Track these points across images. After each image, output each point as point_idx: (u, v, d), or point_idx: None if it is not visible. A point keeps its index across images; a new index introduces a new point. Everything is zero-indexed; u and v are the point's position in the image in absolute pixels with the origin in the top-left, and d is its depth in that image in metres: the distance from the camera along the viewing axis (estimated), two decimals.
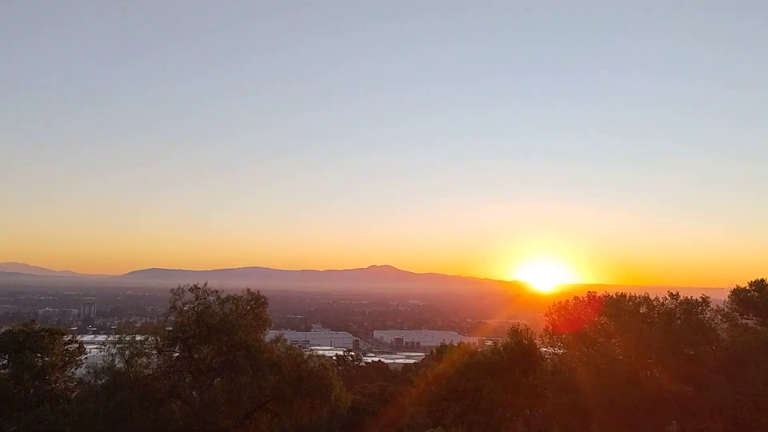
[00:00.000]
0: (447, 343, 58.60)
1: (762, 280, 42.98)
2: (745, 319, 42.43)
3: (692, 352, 39.65)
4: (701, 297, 41.85)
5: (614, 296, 43.28)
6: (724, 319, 42.18)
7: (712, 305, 42.09)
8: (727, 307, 43.06)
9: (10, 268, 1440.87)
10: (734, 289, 43.32)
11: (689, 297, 41.88)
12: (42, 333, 43.14)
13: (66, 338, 45.11)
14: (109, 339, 41.71)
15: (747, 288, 42.84)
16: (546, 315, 46.40)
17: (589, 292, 44.77)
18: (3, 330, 44.01)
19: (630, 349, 39.97)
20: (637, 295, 42.80)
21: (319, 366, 43.13)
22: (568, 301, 45.27)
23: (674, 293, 42.18)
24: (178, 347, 41.65)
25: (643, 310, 41.96)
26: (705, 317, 41.04)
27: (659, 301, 42.14)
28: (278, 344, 43.67)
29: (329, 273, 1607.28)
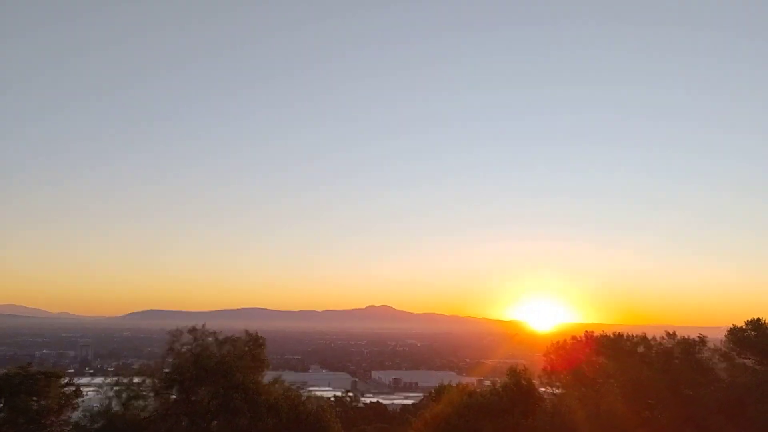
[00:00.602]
0: (445, 384, 58.09)
1: (758, 320, 42.89)
2: (743, 358, 42.23)
3: (692, 393, 39.39)
4: (698, 336, 41.76)
5: (612, 336, 43.15)
6: (722, 359, 41.99)
7: (710, 344, 41.96)
8: (724, 346, 42.91)
9: (7, 311, 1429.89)
10: (731, 328, 43.22)
11: (687, 336, 41.79)
12: (38, 376, 42.64)
13: (62, 381, 44.55)
14: (106, 381, 41.32)
15: (744, 327, 42.75)
16: (544, 355, 46.17)
17: (586, 331, 44.65)
18: None
19: (629, 389, 39.69)
20: (635, 335, 42.69)
21: (317, 408, 42.69)
22: (566, 340, 45.10)
23: (671, 332, 42.09)
24: (175, 390, 41.26)
25: (640, 349, 41.80)
26: (703, 357, 40.90)
27: (657, 340, 42.03)
28: (276, 386, 43.29)
29: (327, 313, 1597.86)
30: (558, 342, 45.30)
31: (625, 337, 42.63)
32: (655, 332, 43.09)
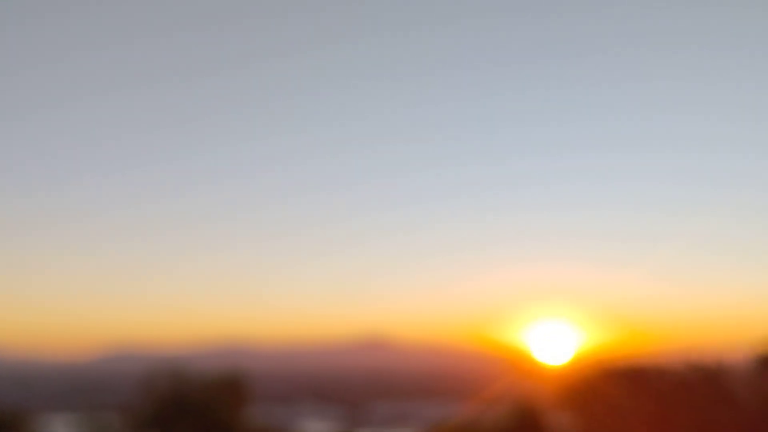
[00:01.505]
0: (446, 415, 57.27)
1: None
2: (765, 381, 41.70)
3: (712, 418, 38.75)
4: (716, 361, 41.18)
5: (626, 364, 42.56)
6: (743, 384, 41.43)
7: (731, 366, 41.38)
8: (747, 368, 42.35)
9: None
10: (754, 351, 42.69)
11: (707, 364, 41.19)
12: (7, 417, 41.88)
13: (30, 423, 43.82)
14: (77, 421, 40.52)
15: (765, 348, 42.26)
16: (551, 383, 45.49)
17: (597, 358, 44.03)
18: None
19: (643, 418, 39.06)
20: (651, 363, 42.10)
21: None
22: (575, 368, 44.49)
23: (691, 361, 41.45)
24: (155, 428, 40.47)
25: (657, 379, 41.22)
26: (722, 381, 40.34)
27: (674, 369, 41.41)
28: (262, 422, 42.54)
29: (319, 344, 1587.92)
30: (566, 369, 44.69)
31: (641, 366, 42.02)
32: (670, 356, 42.49)
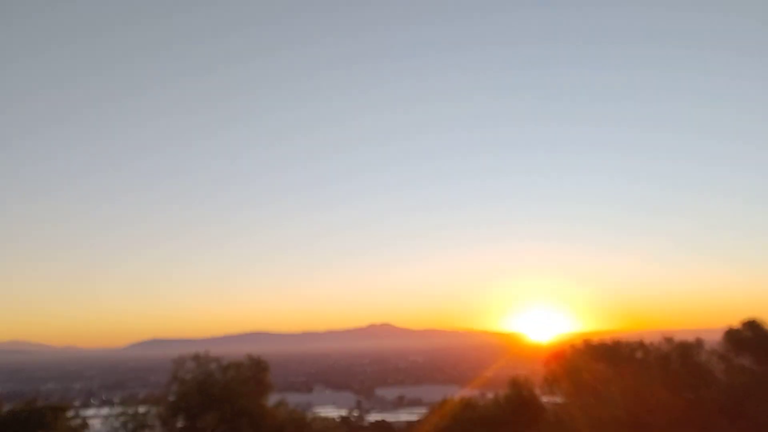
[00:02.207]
0: (448, 398, 57.79)
1: (754, 320, 42.84)
2: (741, 359, 42.12)
3: (691, 396, 39.24)
4: (695, 339, 41.68)
5: (610, 343, 43.03)
6: (720, 361, 41.88)
7: (707, 347, 41.87)
8: (721, 348, 42.81)
9: (11, 347, 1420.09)
10: (727, 329, 43.15)
11: (684, 340, 41.70)
12: (45, 410, 42.33)
13: (69, 414, 44.27)
14: (113, 412, 41.01)
15: (740, 328, 42.68)
16: (544, 364, 45.99)
17: (585, 339, 44.52)
18: (5, 409, 43.20)
19: (629, 395, 39.51)
20: (633, 341, 42.58)
21: (323, 428, 42.39)
22: (565, 349, 44.95)
23: (669, 337, 42.00)
24: (181, 417, 40.93)
25: (639, 355, 41.68)
26: (701, 359, 40.79)
27: (654, 345, 41.92)
28: (281, 408, 42.99)
29: (329, 334, 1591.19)
30: (557, 351, 45.14)
31: (623, 344, 42.51)
32: (653, 337, 43.00)
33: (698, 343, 41.23)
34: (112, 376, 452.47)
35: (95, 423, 46.66)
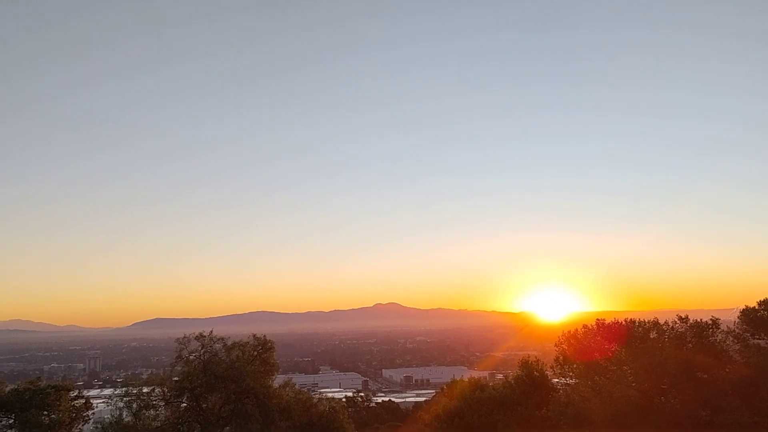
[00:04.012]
0: (457, 379, 58.08)
1: None
2: (757, 339, 42.05)
3: (706, 376, 39.25)
4: (711, 319, 41.59)
5: (623, 322, 42.99)
6: (735, 341, 41.82)
7: (722, 327, 41.78)
8: (737, 328, 42.72)
9: (14, 326, 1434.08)
10: (743, 309, 43.02)
11: (699, 320, 41.61)
12: (48, 390, 42.75)
13: (72, 394, 44.71)
14: (116, 392, 41.35)
15: (756, 308, 42.55)
16: (556, 345, 46.02)
17: (597, 319, 44.48)
18: (8, 389, 43.66)
19: (642, 375, 39.56)
20: (647, 321, 42.51)
21: (329, 409, 42.68)
22: (577, 329, 44.95)
23: (683, 317, 41.90)
24: (185, 397, 41.25)
25: (653, 335, 41.65)
26: (716, 339, 40.73)
27: (669, 325, 41.87)
28: (287, 389, 43.26)
29: (335, 313, 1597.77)
30: (569, 332, 45.14)
31: (636, 324, 42.46)
32: (667, 317, 42.93)
33: (714, 323, 41.15)
34: (115, 356, 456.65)
35: (98, 403, 47.15)
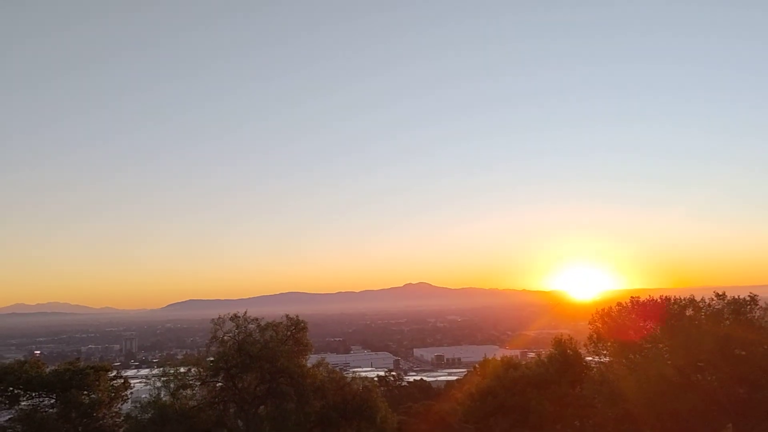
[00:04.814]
0: (489, 358, 58.01)
1: None
2: None
3: (743, 353, 38.67)
4: (749, 295, 40.84)
5: (659, 300, 42.44)
6: None
7: (761, 303, 41.03)
8: None
9: (51, 308, 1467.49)
10: None
11: (737, 296, 40.89)
12: (87, 370, 43.62)
13: (110, 374, 45.57)
14: (153, 372, 42.06)
15: None
16: (589, 323, 45.64)
17: (632, 297, 43.97)
18: (49, 369, 44.63)
19: (678, 353, 39.09)
20: (683, 298, 41.90)
21: (362, 388, 42.95)
22: (611, 307, 44.49)
23: (720, 293, 41.20)
24: (221, 377, 41.80)
25: (689, 312, 41.05)
26: (755, 316, 40.03)
27: (705, 302, 41.21)
28: (320, 368, 43.60)
29: (365, 293, 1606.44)
30: (603, 309, 44.70)
31: (672, 301, 41.89)
32: (703, 294, 42.26)
33: (752, 300, 40.40)
34: (151, 337, 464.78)
35: (136, 383, 48.03)
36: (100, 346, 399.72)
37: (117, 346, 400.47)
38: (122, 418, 43.27)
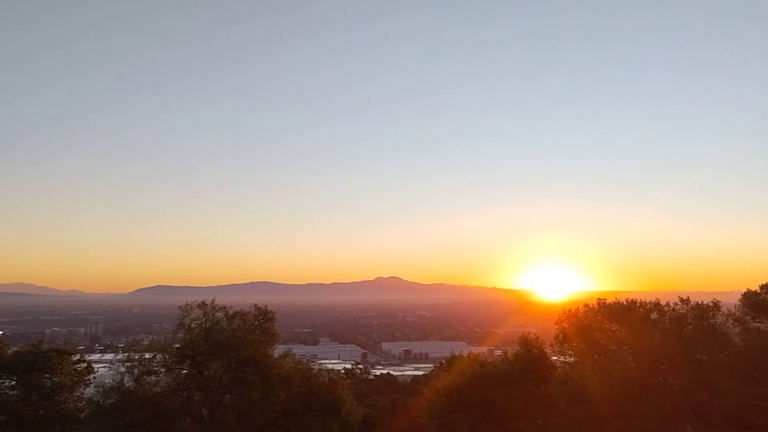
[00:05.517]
0: (456, 354, 58.35)
1: None
2: (757, 322, 42.14)
3: (705, 358, 39.41)
4: (712, 301, 41.64)
5: (625, 303, 43.06)
6: (736, 323, 41.91)
7: (723, 309, 41.84)
8: (738, 310, 42.78)
9: (16, 289, 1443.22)
10: (745, 292, 43.06)
11: (700, 302, 41.67)
12: (50, 353, 43.07)
13: (74, 358, 45.05)
14: (118, 358, 41.62)
15: (758, 291, 42.57)
16: (556, 323, 46.16)
17: (598, 299, 44.55)
18: (11, 351, 44.00)
19: (642, 356, 39.74)
20: (648, 301, 42.58)
21: (328, 380, 42.93)
22: (578, 308, 45.05)
23: (685, 298, 41.95)
24: (187, 364, 41.53)
25: (654, 316, 41.74)
26: (717, 322, 40.81)
27: (670, 306, 41.94)
28: (287, 359, 43.51)
29: (336, 286, 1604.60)
30: (570, 310, 45.25)
31: (638, 304, 42.53)
32: (669, 298, 43.00)
33: (715, 306, 41.20)
34: (117, 322, 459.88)
35: (100, 368, 47.51)
36: (65, 329, 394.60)
37: (82, 330, 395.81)
38: (84, 402, 42.78)
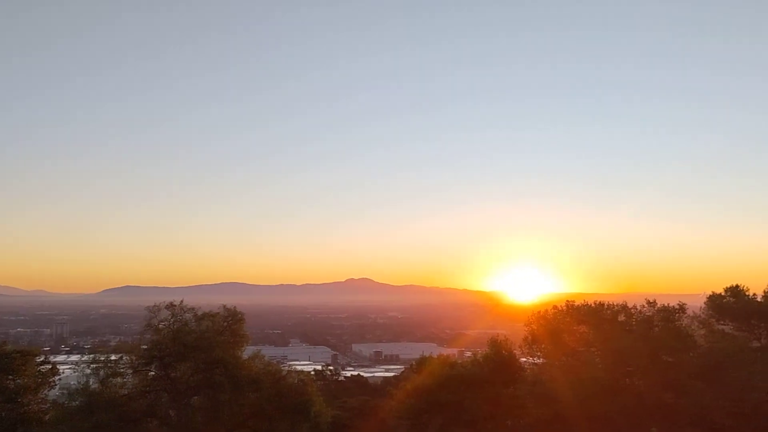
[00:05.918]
0: (426, 355, 58.49)
1: (737, 286, 43.53)
2: (722, 324, 42.98)
3: (671, 359, 40.05)
4: (678, 304, 42.35)
5: (593, 305, 43.57)
6: (701, 326, 42.69)
7: (689, 312, 42.59)
8: (703, 313, 43.56)
9: None
10: (710, 295, 43.85)
11: (667, 304, 42.35)
12: (13, 354, 42.20)
13: (38, 359, 44.20)
14: (83, 359, 40.98)
15: (723, 294, 43.37)
16: (525, 325, 46.53)
17: (567, 301, 45.01)
18: None
19: (609, 357, 40.24)
20: (616, 304, 43.16)
21: (298, 381, 42.75)
22: (547, 310, 45.47)
23: (651, 301, 42.58)
24: (154, 366, 41.04)
25: (621, 318, 42.33)
26: (682, 324, 41.53)
27: (637, 309, 42.56)
28: (256, 360, 43.25)
29: (306, 287, 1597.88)
30: (539, 312, 45.66)
31: (605, 306, 43.08)
32: (636, 300, 43.63)
33: (681, 308, 41.90)
34: (84, 322, 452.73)
35: (65, 369, 46.75)
36: (29, 330, 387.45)
37: (48, 331, 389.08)
38: (49, 404, 42.04)
